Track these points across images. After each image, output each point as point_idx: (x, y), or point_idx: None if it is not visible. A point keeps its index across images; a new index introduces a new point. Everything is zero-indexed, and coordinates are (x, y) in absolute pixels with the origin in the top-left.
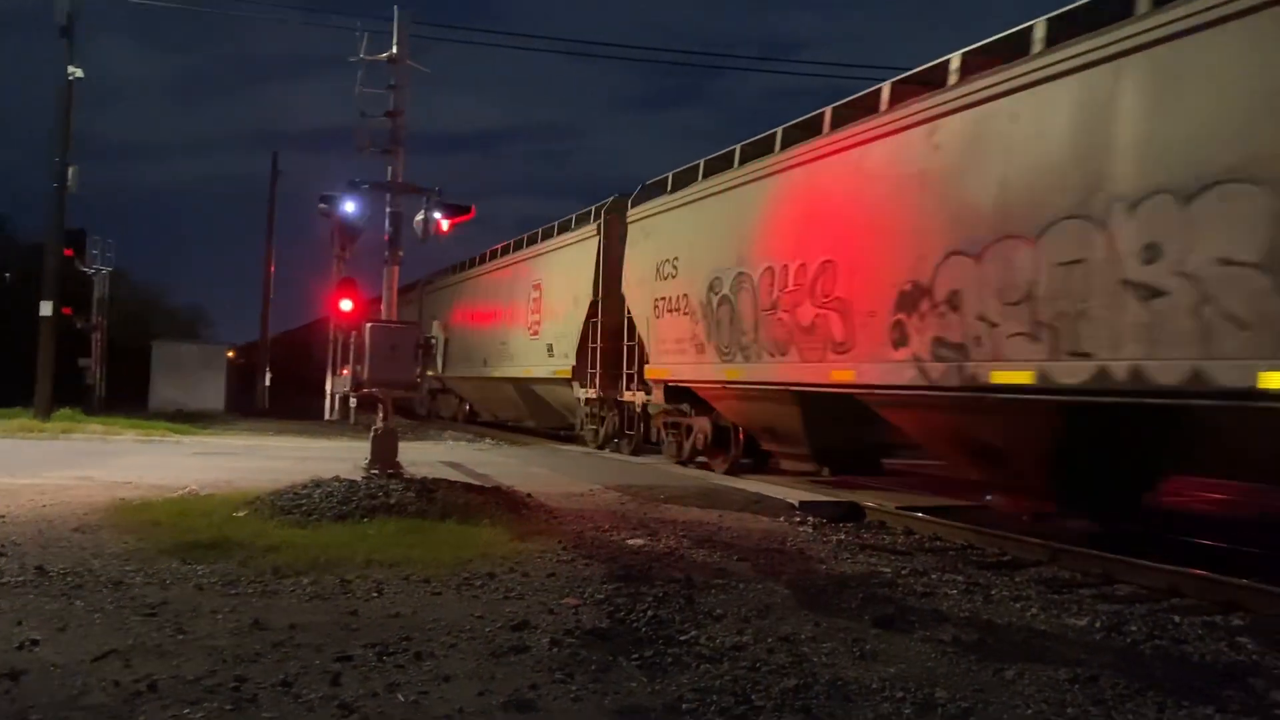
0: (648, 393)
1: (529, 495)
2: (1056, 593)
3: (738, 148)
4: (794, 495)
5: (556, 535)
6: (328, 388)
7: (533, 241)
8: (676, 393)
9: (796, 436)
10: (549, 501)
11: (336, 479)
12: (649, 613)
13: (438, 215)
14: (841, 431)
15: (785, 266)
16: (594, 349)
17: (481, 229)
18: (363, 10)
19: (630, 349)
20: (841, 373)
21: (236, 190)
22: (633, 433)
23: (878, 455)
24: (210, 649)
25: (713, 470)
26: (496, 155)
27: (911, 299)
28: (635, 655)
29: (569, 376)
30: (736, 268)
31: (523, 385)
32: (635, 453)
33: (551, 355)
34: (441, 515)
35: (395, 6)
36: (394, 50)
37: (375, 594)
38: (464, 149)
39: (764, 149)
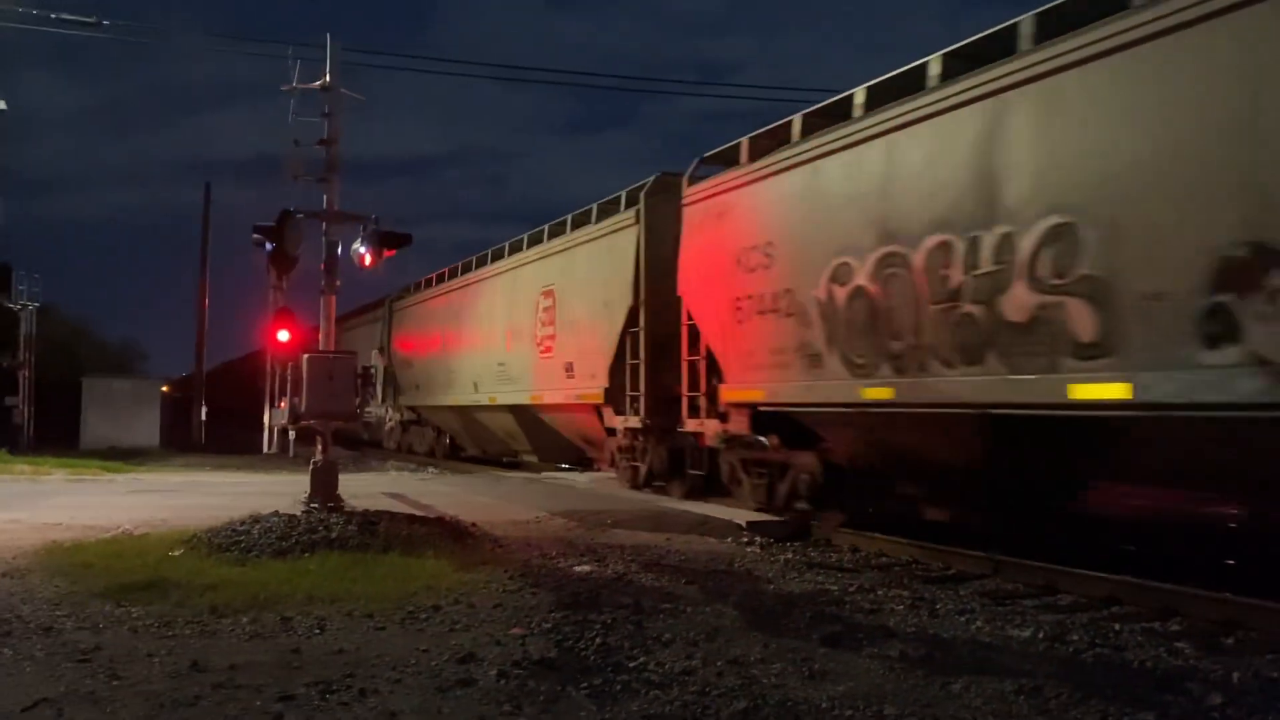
0: (722, 420)
1: (474, 524)
2: (1000, 604)
3: (859, 91)
4: (741, 516)
5: (502, 564)
6: (266, 420)
7: (538, 241)
8: (767, 420)
9: (968, 478)
10: (494, 530)
11: (276, 514)
12: (597, 640)
13: (375, 243)
14: (1043, 471)
15: (975, 239)
16: (634, 366)
17: (418, 256)
18: (295, 38)
19: (693, 365)
20: (1098, 387)
21: (167, 221)
22: (698, 471)
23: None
24: (146, 694)
25: (818, 525)
26: (432, 181)
27: (1245, 271)
28: (584, 684)
29: (599, 401)
30: (880, 246)
31: (527, 414)
32: (690, 496)
33: (571, 376)
34: (384, 548)
35: (328, 35)
36: (327, 78)
37: (317, 631)
38: (400, 175)
39: (908, 85)
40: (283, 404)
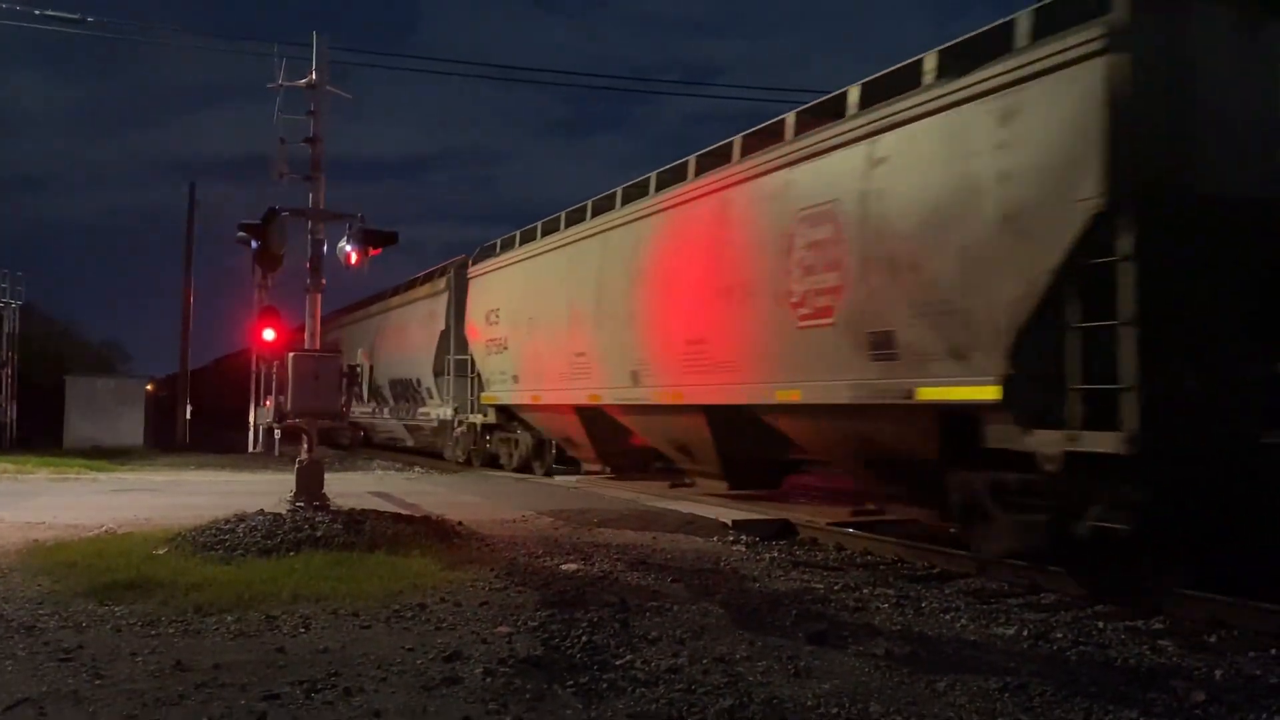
0: None
1: (460, 523)
2: (985, 603)
3: None
4: (727, 515)
5: (488, 563)
6: (251, 419)
7: (771, 138)
8: None
9: None
10: (480, 529)
11: (261, 513)
12: (584, 638)
13: (360, 241)
14: None
15: None
16: (1099, 334)
17: (405, 256)
18: (282, 36)
19: None
20: None
21: (153, 220)
22: None
23: None
24: (130, 693)
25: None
26: (420, 181)
27: None
28: (570, 682)
29: (990, 399)
30: None
31: (739, 417)
32: None
33: (885, 356)
34: (370, 546)
35: (314, 32)
36: (313, 76)
37: (302, 629)
38: (387, 175)
39: None
40: (268, 403)
